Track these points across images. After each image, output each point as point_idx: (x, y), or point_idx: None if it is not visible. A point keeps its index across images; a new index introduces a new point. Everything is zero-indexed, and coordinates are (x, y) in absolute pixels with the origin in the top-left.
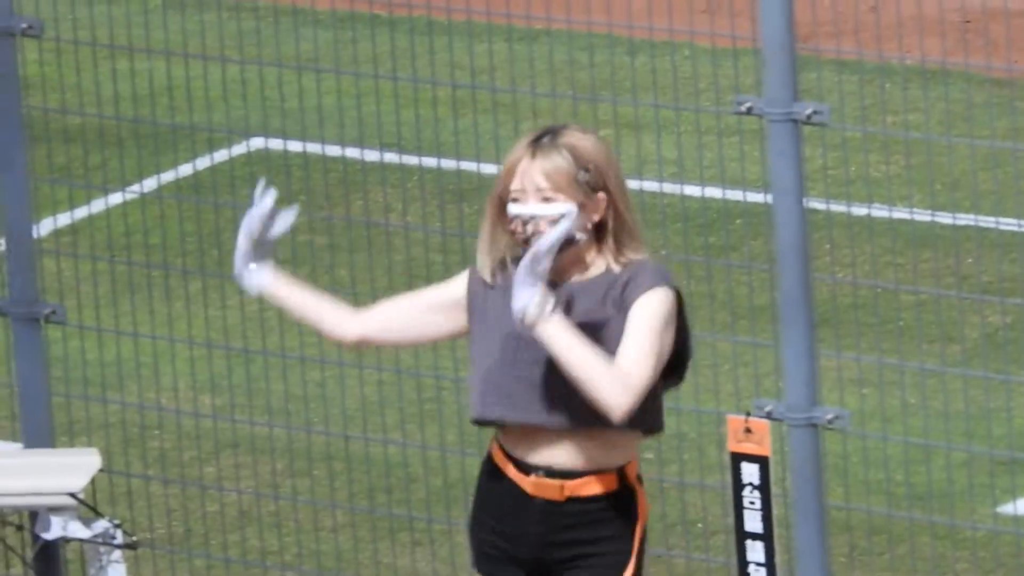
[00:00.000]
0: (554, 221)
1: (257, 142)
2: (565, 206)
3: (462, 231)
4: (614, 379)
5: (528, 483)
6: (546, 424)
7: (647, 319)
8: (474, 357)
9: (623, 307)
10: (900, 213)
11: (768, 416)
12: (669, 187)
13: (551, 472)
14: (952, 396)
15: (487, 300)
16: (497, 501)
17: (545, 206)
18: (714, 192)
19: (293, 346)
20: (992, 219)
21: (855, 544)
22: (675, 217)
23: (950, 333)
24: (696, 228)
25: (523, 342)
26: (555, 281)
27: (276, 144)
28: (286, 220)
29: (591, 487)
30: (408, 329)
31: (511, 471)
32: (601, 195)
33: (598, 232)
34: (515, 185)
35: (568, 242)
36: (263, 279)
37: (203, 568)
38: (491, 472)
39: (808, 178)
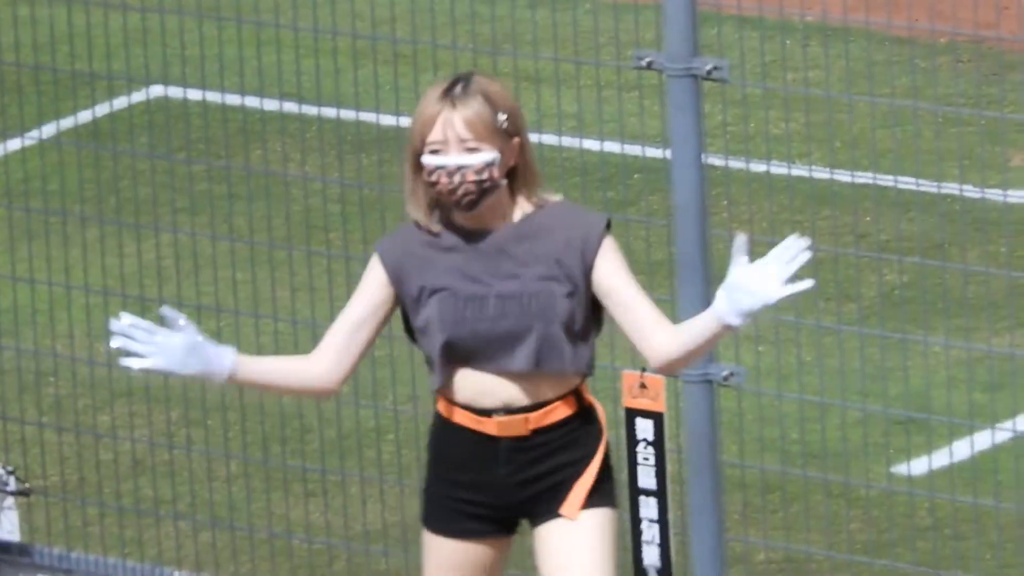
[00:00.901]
0: (480, 171)
1: (157, 90)
2: (490, 154)
3: (360, 182)
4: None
5: (491, 425)
6: (510, 370)
7: (628, 276)
8: (425, 321)
9: (589, 265)
10: (799, 170)
11: None
12: (568, 141)
13: (511, 410)
14: (848, 355)
15: (434, 262)
16: (457, 453)
17: (470, 156)
18: (613, 147)
19: (189, 295)
20: (891, 178)
21: (749, 502)
22: (574, 171)
23: (847, 291)
24: (595, 182)
25: (483, 300)
26: (483, 229)
27: (176, 92)
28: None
29: (553, 415)
30: (359, 349)
31: (467, 419)
32: (516, 140)
33: (510, 177)
34: (435, 136)
35: (493, 189)
36: (226, 366)
37: (96, 516)
38: (443, 426)
39: (707, 134)
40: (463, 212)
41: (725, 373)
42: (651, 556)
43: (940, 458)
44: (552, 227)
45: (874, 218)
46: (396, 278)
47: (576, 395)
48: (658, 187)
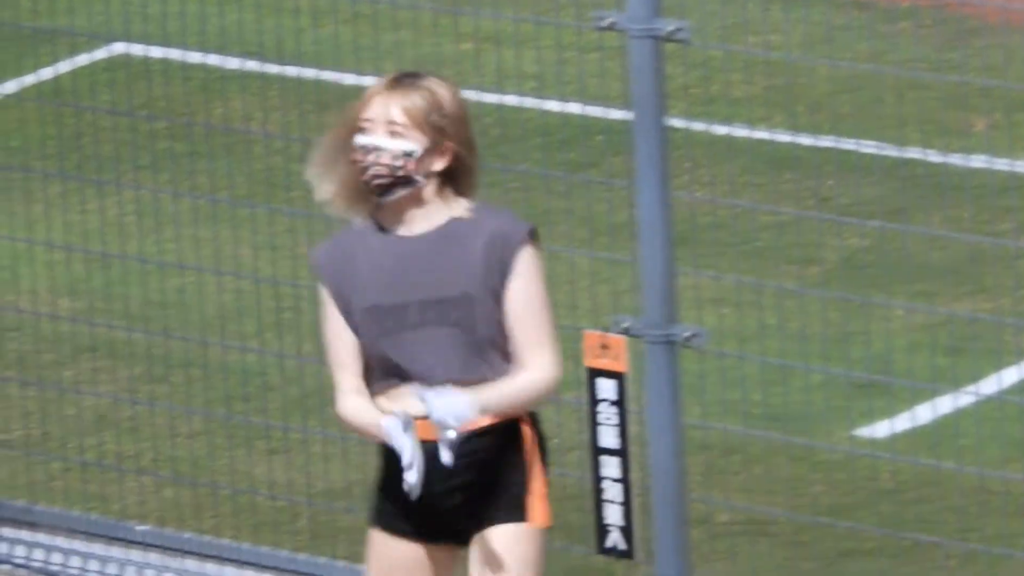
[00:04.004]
0: (396, 156)
1: (118, 47)
2: (412, 144)
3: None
4: (532, 383)
5: (423, 428)
6: (434, 377)
7: (534, 292)
8: (356, 333)
9: (504, 272)
10: (760, 133)
11: (625, 332)
12: (529, 102)
13: None
14: (810, 318)
15: (359, 268)
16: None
17: (391, 140)
18: (574, 108)
19: (152, 252)
20: (852, 142)
21: (711, 463)
22: (535, 132)
23: (809, 255)
24: (556, 144)
25: (405, 308)
26: (406, 230)
27: (137, 50)
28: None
29: (478, 421)
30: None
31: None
32: (449, 144)
33: (442, 179)
34: (367, 114)
35: (406, 182)
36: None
37: (60, 470)
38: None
39: (669, 96)
40: (377, 198)
41: (687, 334)
42: (613, 515)
43: (902, 422)
44: (475, 233)
45: (836, 182)
46: (337, 292)
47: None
48: (620, 149)
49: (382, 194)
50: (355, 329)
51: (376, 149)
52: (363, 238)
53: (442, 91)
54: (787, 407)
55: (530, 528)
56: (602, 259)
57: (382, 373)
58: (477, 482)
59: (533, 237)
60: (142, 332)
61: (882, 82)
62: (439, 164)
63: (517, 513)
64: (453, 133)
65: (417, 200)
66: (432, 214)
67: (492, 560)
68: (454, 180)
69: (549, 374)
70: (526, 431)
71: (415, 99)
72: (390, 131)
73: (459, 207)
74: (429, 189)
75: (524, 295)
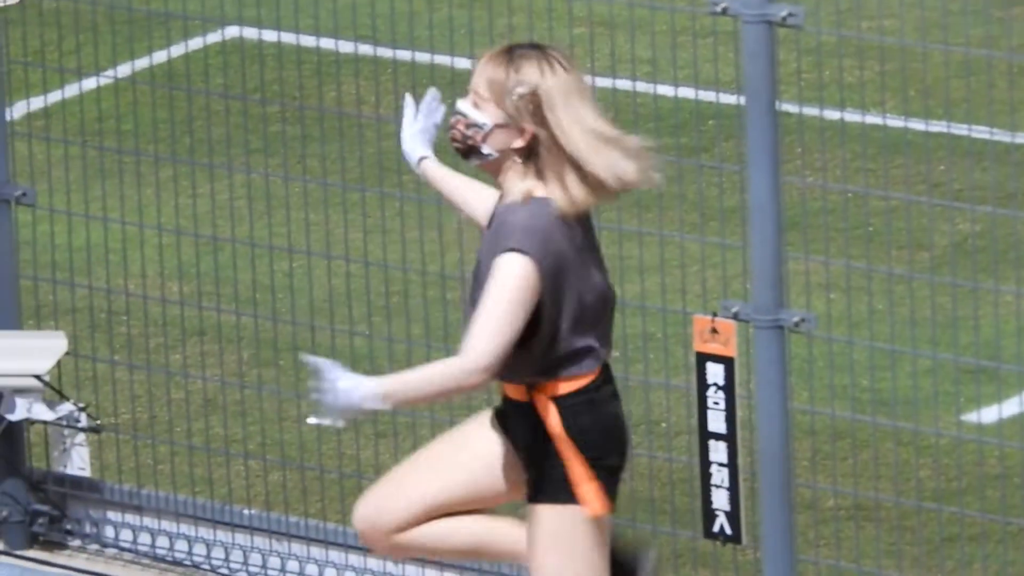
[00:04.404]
0: (468, 126)
1: (232, 31)
2: (483, 117)
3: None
4: (449, 371)
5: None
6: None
7: (491, 295)
8: None
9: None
10: (873, 118)
11: (735, 317)
12: (642, 86)
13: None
14: (919, 303)
15: None
16: None
17: (472, 109)
18: (687, 93)
19: (262, 236)
20: (964, 127)
21: (818, 448)
22: (647, 117)
23: (919, 240)
24: (669, 128)
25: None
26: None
27: (251, 33)
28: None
29: (512, 392)
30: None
31: None
32: (529, 126)
33: (527, 158)
34: (471, 79)
35: (475, 152)
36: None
37: (166, 454)
38: None
39: (781, 81)
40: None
41: (796, 319)
42: (720, 500)
43: (1010, 407)
44: (500, 225)
45: (947, 167)
46: None
47: (528, 387)
48: (732, 133)
49: (463, 159)
50: None
51: (455, 113)
52: None
53: (536, 71)
54: (895, 392)
55: (550, 510)
56: (712, 244)
57: None
58: (519, 447)
59: (517, 249)
60: (251, 316)
61: (994, 67)
62: (516, 143)
63: (540, 492)
64: (535, 115)
65: (496, 172)
66: (509, 190)
67: (527, 534)
68: (540, 164)
69: (461, 361)
70: (551, 418)
71: (499, 73)
72: (473, 100)
73: (523, 193)
74: (510, 165)
75: (486, 295)
